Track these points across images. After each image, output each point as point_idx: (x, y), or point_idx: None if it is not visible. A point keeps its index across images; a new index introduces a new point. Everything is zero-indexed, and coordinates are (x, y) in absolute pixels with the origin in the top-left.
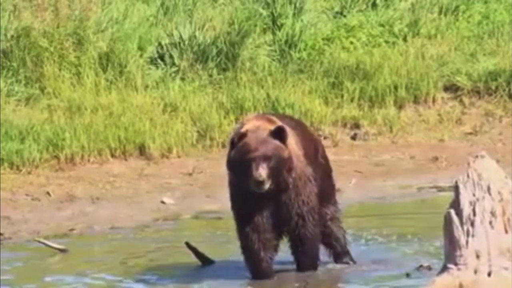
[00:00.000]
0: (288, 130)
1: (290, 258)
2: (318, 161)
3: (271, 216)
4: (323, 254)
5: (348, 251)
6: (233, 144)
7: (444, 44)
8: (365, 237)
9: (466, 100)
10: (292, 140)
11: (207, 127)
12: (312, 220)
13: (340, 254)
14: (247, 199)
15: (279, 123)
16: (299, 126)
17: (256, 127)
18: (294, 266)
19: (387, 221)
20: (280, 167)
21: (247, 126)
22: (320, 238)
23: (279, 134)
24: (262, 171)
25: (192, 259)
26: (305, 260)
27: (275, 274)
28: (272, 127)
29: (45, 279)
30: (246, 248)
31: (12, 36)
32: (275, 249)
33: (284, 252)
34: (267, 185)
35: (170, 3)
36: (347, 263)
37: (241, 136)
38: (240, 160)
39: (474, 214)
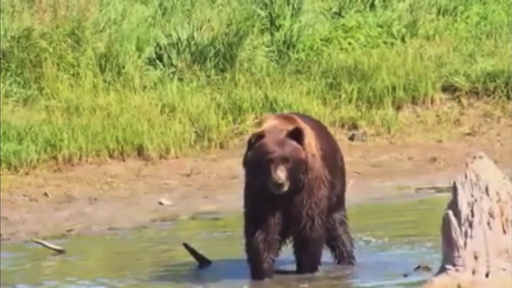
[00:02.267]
0: (308, 130)
1: (290, 258)
2: (337, 163)
3: (281, 216)
4: (324, 255)
5: (353, 256)
6: (250, 144)
7: (442, 45)
8: (364, 237)
9: (464, 101)
10: (312, 140)
11: (205, 128)
12: (320, 222)
13: (344, 258)
14: (261, 198)
15: (298, 123)
16: (318, 127)
17: (273, 127)
18: (294, 267)
19: (386, 221)
20: (298, 168)
21: (265, 126)
22: (324, 240)
23: (296, 135)
24: (281, 174)
25: (190, 259)
26: (307, 261)
27: (273, 275)
28: (290, 127)
29: (43, 279)
30: (251, 247)
31: (12, 37)
32: (278, 251)
33: (284, 252)
34: (286, 187)
35: (168, 4)
36: (351, 263)
37: (259, 136)
38: (257, 161)
39: (472, 215)
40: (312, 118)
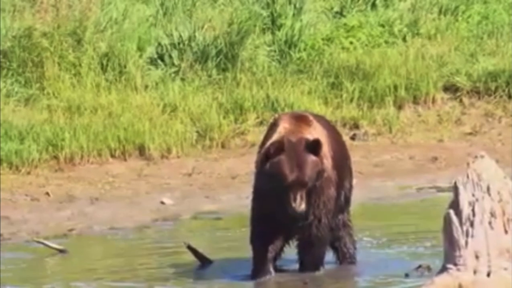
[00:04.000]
0: (321, 129)
1: (290, 258)
2: (346, 163)
3: (288, 216)
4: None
5: (355, 258)
6: (267, 155)
7: (443, 44)
8: (365, 237)
9: (465, 100)
10: (324, 140)
11: (207, 128)
12: (327, 223)
13: (345, 259)
14: (270, 200)
15: (313, 124)
16: (330, 127)
17: (291, 133)
18: (293, 266)
19: (387, 221)
20: (315, 181)
21: (281, 130)
22: (328, 241)
23: (314, 146)
24: (301, 201)
25: (191, 259)
26: (310, 261)
27: (274, 274)
28: (307, 135)
29: (44, 279)
30: (256, 239)
31: (13, 37)
32: (281, 250)
33: (286, 251)
34: (304, 212)
35: (170, 4)
36: (352, 263)
37: (277, 149)
38: (275, 180)
39: (474, 215)
40: (323, 117)
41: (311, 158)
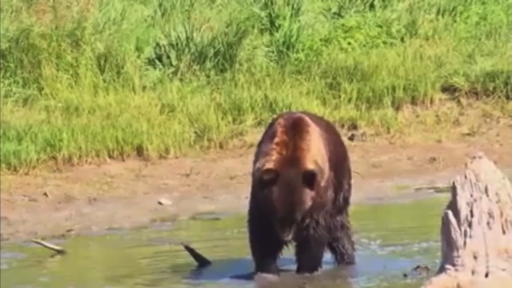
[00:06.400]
0: (318, 132)
1: (288, 258)
2: (345, 165)
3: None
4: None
5: (354, 259)
6: (262, 182)
7: (441, 45)
8: (363, 238)
9: (463, 101)
10: (320, 142)
11: (205, 128)
12: (324, 224)
13: (344, 260)
14: (266, 208)
15: (312, 132)
16: (328, 128)
17: (286, 160)
18: (292, 266)
19: (385, 222)
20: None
21: (276, 153)
22: (326, 242)
23: (309, 179)
24: (289, 233)
25: (190, 260)
26: (308, 262)
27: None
28: (304, 158)
29: (43, 280)
30: (256, 249)
31: (11, 38)
32: (280, 251)
33: (284, 252)
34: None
35: (168, 4)
36: (350, 264)
37: (271, 179)
38: (268, 208)
39: (472, 215)
40: (322, 119)
41: (305, 193)
